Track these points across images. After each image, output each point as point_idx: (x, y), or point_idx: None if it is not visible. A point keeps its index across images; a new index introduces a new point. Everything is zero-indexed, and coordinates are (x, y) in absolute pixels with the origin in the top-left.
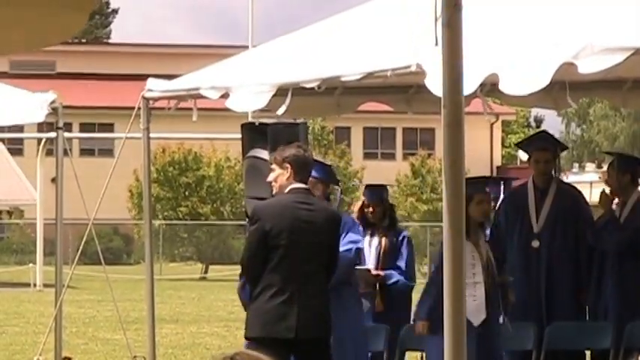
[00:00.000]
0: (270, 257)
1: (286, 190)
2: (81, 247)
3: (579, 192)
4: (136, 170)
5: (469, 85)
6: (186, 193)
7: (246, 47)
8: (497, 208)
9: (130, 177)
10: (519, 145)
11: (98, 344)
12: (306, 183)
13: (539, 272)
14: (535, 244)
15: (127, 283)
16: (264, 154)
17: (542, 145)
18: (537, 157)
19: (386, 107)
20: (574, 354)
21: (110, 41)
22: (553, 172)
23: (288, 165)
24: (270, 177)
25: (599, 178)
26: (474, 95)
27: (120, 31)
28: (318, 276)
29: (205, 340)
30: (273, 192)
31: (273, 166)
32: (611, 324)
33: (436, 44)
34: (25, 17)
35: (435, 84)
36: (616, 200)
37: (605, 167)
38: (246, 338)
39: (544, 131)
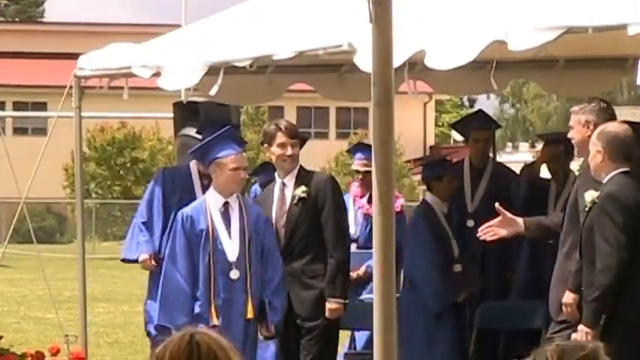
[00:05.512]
0: None
1: None
2: (12, 226)
3: (516, 174)
4: (73, 149)
5: (396, 60)
6: (121, 172)
7: (180, 26)
8: None
9: (67, 156)
10: (455, 126)
11: (30, 323)
12: None
13: (474, 251)
14: (470, 223)
15: (60, 262)
16: (195, 132)
17: (481, 125)
18: (476, 136)
19: None
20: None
21: (43, 20)
22: (490, 152)
23: None
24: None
25: (533, 157)
26: (402, 75)
27: (53, 10)
28: None
29: (138, 319)
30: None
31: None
32: (542, 303)
33: (370, 21)
34: None
35: (365, 61)
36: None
37: (538, 147)
38: None
39: (481, 110)
